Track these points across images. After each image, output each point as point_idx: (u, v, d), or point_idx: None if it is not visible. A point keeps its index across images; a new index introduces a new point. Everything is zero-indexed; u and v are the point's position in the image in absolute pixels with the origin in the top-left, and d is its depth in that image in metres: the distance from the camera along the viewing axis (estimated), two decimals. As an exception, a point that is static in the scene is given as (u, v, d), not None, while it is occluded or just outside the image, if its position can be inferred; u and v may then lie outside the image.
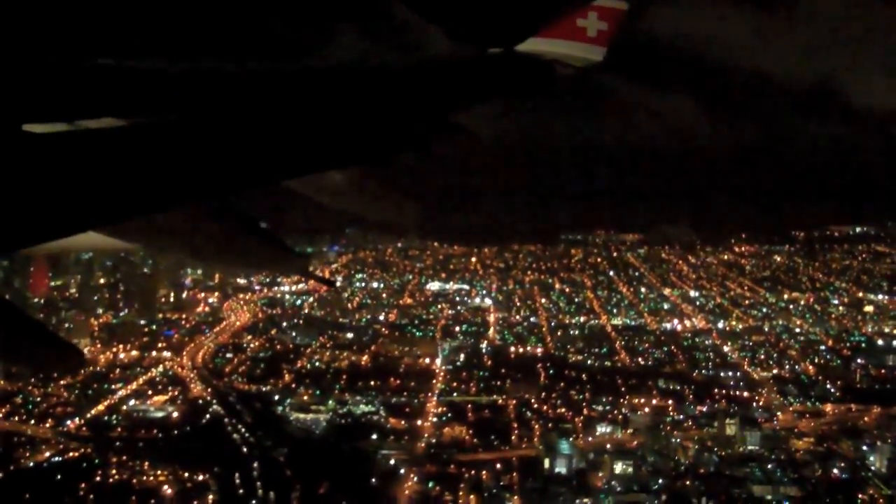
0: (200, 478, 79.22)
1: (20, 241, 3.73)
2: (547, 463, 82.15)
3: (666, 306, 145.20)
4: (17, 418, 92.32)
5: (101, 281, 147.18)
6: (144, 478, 79.32)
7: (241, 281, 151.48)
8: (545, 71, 10.20)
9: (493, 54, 10.45)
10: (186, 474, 79.68)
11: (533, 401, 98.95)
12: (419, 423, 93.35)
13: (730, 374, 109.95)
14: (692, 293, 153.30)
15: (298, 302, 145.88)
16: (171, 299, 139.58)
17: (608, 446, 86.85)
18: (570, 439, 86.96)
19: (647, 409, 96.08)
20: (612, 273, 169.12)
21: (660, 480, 78.60)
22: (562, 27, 10.40)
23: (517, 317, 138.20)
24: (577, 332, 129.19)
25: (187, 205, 4.93)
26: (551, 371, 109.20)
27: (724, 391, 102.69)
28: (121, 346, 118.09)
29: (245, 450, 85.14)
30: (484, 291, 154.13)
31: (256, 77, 7.05)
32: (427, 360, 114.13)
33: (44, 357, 4.18)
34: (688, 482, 77.72)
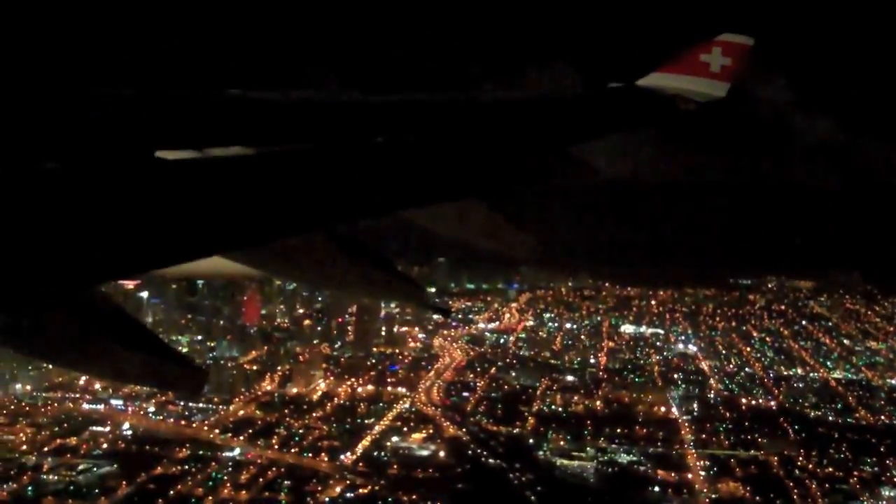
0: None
1: (152, 263, 3.90)
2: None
3: (880, 360, 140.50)
4: (290, 451, 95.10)
5: (301, 311, 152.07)
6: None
7: (436, 316, 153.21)
8: (666, 106, 10.13)
9: (614, 88, 10.44)
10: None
11: (794, 457, 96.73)
12: (689, 476, 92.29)
13: None
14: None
15: (501, 340, 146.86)
16: (383, 333, 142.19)
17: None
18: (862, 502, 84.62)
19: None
20: (804, 322, 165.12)
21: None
22: (685, 62, 10.41)
23: (730, 366, 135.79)
24: (801, 385, 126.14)
25: (309, 232, 5.08)
26: (796, 426, 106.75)
27: None
28: (352, 379, 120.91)
29: (532, 497, 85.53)
30: (682, 337, 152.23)
31: (374, 108, 7.24)
32: (662, 409, 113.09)
33: (166, 373, 4.30)
34: None
